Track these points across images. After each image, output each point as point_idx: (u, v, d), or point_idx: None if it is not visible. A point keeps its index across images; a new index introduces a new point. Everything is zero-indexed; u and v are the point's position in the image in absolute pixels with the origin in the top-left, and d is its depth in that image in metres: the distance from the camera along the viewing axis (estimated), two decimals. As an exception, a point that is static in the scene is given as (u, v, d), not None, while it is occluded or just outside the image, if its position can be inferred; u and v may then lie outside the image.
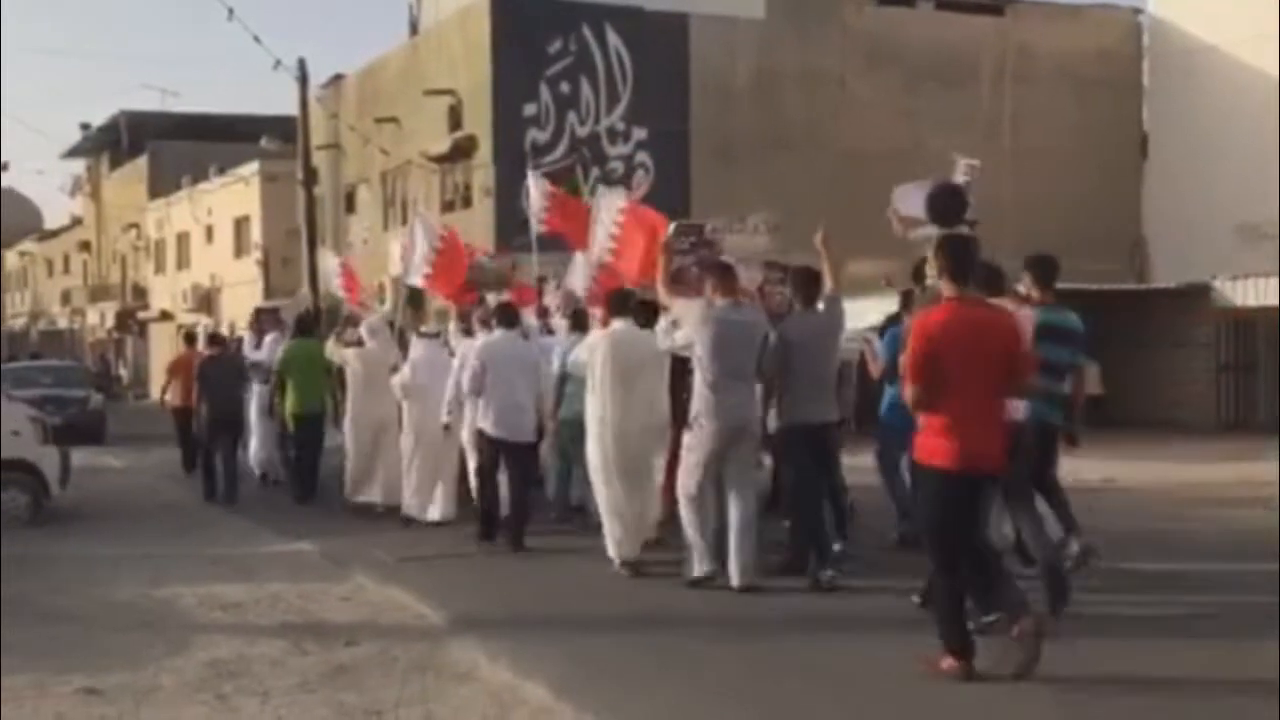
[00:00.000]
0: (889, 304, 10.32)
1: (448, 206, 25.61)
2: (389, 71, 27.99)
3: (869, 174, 22.76)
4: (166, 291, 42.44)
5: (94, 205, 51.48)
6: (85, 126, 48.92)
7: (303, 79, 26.45)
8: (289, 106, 29.16)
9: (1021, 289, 7.24)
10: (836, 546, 7.95)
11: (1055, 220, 25.26)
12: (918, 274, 7.18)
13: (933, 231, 6.97)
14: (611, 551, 8.34)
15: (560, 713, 5.40)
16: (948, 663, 5.60)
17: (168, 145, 43.14)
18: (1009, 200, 25.76)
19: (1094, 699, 5.33)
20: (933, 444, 5.58)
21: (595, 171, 23.32)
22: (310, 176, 27.58)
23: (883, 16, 25.02)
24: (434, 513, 10.68)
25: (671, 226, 9.55)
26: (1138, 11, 26.84)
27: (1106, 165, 25.94)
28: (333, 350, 12.39)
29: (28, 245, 59.69)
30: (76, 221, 55.85)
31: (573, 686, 5.70)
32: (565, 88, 23.18)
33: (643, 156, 23.57)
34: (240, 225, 37.92)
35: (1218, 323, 20.85)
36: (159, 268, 44.50)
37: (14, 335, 54.81)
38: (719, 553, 7.61)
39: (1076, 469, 9.04)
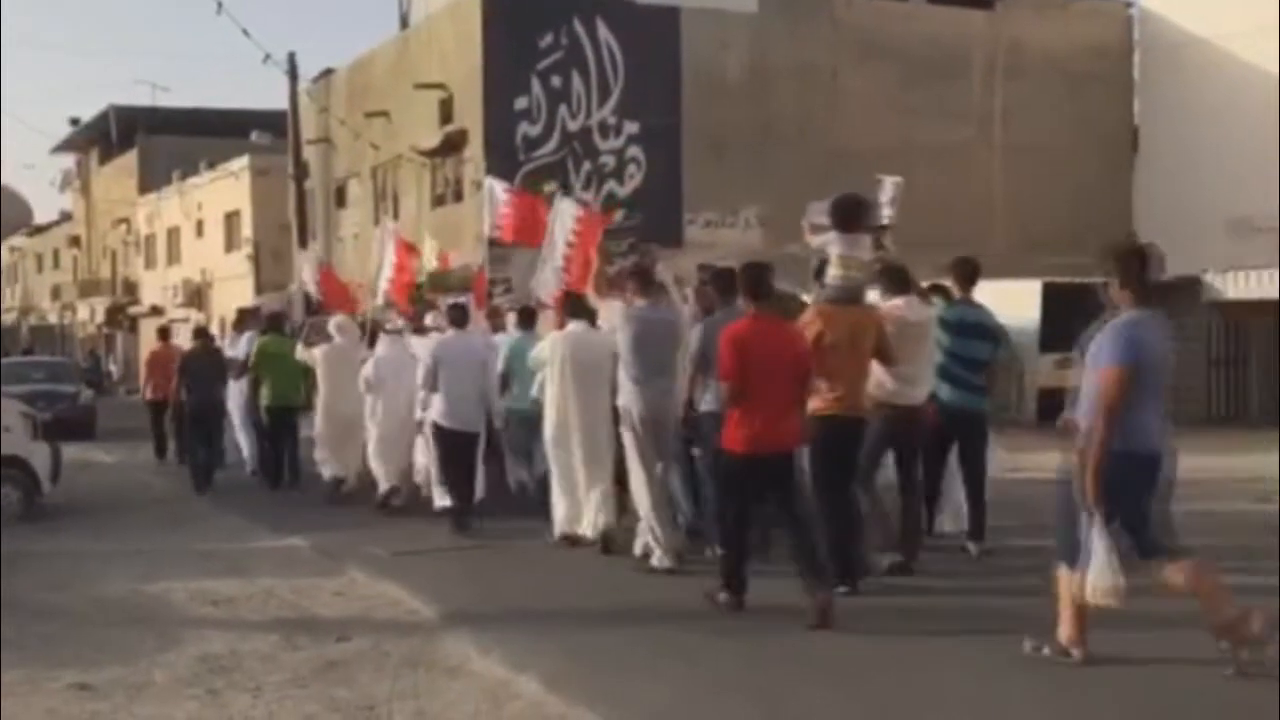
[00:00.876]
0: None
1: (439, 200, 25.58)
2: (379, 65, 27.93)
3: (860, 168, 22.78)
4: (157, 286, 42.33)
5: (84, 200, 51.31)
6: (75, 121, 48.73)
7: (293, 73, 26.45)
8: (279, 101, 29.17)
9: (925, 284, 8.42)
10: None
11: (1046, 214, 25.34)
12: (818, 274, 7.77)
13: (833, 237, 7.60)
14: (557, 523, 8.87)
15: (553, 706, 5.40)
16: (722, 595, 6.90)
17: (157, 140, 43.00)
18: (1000, 194, 25.85)
19: (1092, 691, 5.33)
20: (732, 433, 6.84)
21: (586, 165, 23.31)
22: (301, 171, 27.57)
23: (874, 11, 25.03)
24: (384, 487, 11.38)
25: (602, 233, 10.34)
26: (1128, 5, 26.91)
27: (1097, 159, 25.99)
28: (301, 352, 12.73)
29: (17, 240, 59.46)
30: (66, 216, 55.65)
31: (565, 680, 5.70)
32: (556, 81, 23.14)
33: (634, 150, 23.55)
34: (231, 220, 37.83)
35: (1209, 317, 20.89)
36: (149, 263, 44.38)
37: (4, 331, 54.67)
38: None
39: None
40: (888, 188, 9.38)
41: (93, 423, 21.25)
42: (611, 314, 8.62)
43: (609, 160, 23.45)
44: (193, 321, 27.80)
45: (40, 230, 58.05)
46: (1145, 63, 25.78)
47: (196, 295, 38.55)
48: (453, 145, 24.17)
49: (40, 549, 9.78)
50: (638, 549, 8.24)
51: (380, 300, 13.02)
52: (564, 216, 10.13)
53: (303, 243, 25.97)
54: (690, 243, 22.87)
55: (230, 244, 37.72)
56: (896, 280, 8.08)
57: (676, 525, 8.32)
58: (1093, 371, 5.52)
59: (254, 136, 32.01)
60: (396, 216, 27.24)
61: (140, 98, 45.39)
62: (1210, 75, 22.78)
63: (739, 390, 6.74)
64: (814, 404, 7.18)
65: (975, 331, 8.30)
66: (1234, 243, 21.41)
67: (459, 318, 10.20)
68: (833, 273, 7.50)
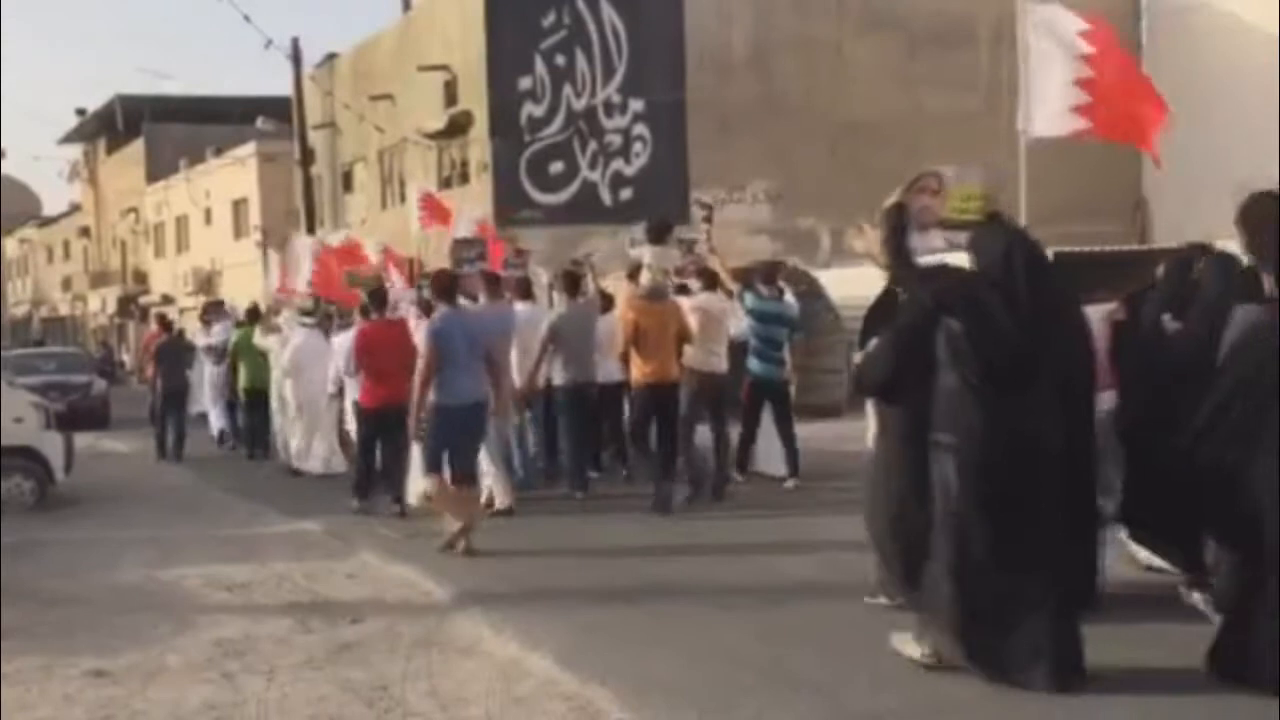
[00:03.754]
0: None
1: (445, 183, 25.54)
2: (383, 48, 27.87)
3: (868, 141, 22.77)
4: (167, 275, 42.43)
5: (92, 190, 51.41)
6: (81, 111, 48.83)
7: (296, 58, 26.37)
8: (284, 87, 29.09)
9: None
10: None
11: (1056, 182, 25.08)
12: (631, 276, 10.86)
13: (646, 249, 10.34)
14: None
15: (565, 683, 5.41)
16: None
17: (163, 128, 43.04)
18: (1008, 164, 25.71)
19: (1092, 689, 5.24)
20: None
21: (592, 145, 23.26)
22: (307, 156, 27.53)
23: (877, -19, 24.88)
24: (314, 465, 12.75)
25: (450, 243, 13.28)
26: (1134, -30, 26.65)
27: (1106, 126, 25.78)
28: (259, 339, 14.19)
29: (27, 232, 59.64)
30: (75, 207, 55.77)
31: (577, 657, 5.72)
32: (560, 60, 23.07)
33: (640, 129, 23.49)
34: (238, 207, 37.87)
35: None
36: (159, 252, 44.48)
37: (16, 323, 54.86)
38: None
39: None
40: (699, 212, 11.83)
41: (106, 412, 21.34)
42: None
43: (615, 139, 23.40)
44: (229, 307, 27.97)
45: (50, 222, 58.23)
46: (1152, 27, 25.56)
47: (207, 283, 38.62)
48: (458, 127, 24.14)
49: (54, 538, 9.83)
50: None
51: (301, 287, 15.19)
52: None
53: (310, 228, 25.93)
54: (698, 220, 22.83)
55: (239, 231, 37.76)
56: (706, 280, 10.51)
57: (512, 473, 10.23)
58: None
59: (260, 123, 31.96)
60: (403, 200, 27.24)
61: (145, 86, 45.28)
62: (1218, 40, 22.60)
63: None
64: (634, 375, 9.82)
65: (774, 319, 10.53)
66: (1244, 207, 21.27)
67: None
68: (644, 276, 10.11)
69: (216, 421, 16.78)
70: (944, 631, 5.16)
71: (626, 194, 23.31)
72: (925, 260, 5.69)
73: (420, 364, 8.50)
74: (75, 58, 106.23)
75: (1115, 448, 6.12)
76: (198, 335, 17.92)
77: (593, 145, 23.26)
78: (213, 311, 17.90)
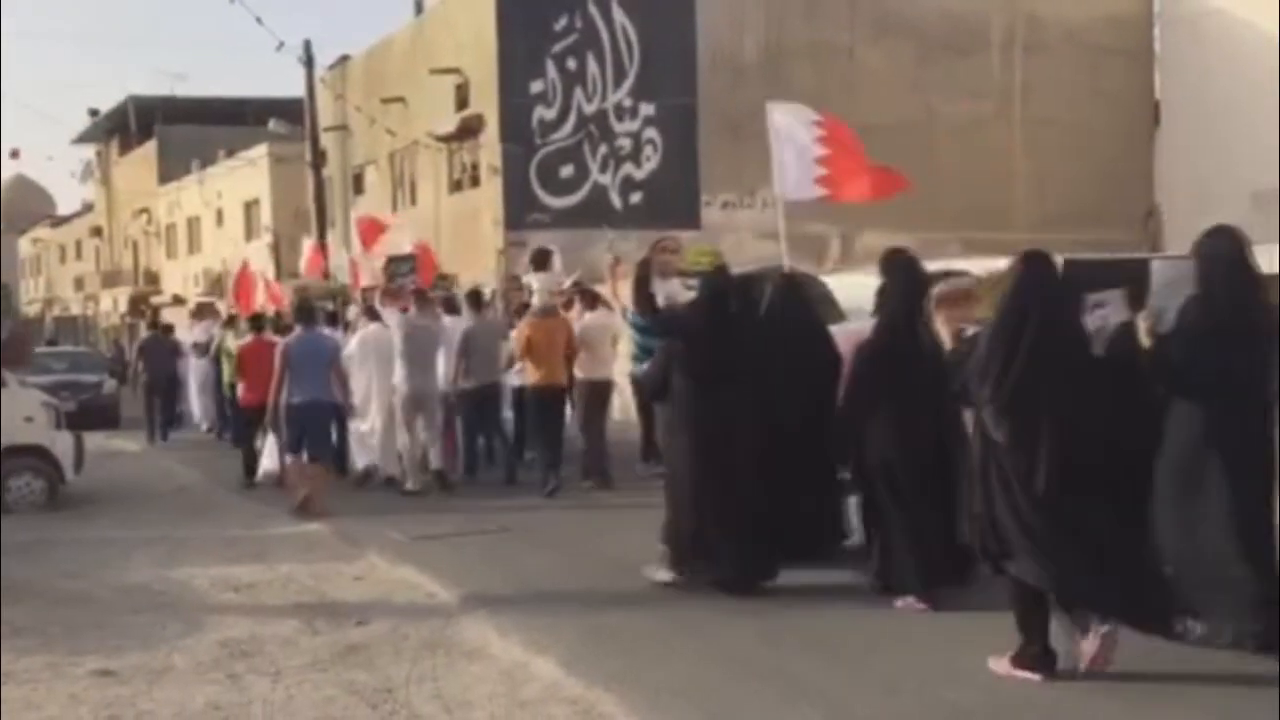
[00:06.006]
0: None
1: (455, 186, 25.58)
2: (395, 51, 27.91)
3: (880, 146, 22.60)
4: (179, 275, 42.51)
5: (105, 191, 51.55)
6: (94, 112, 48.94)
7: (308, 61, 26.42)
8: (296, 89, 29.15)
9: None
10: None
11: (1068, 189, 25.13)
12: (527, 302, 12.79)
13: (534, 275, 12.50)
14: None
15: (570, 687, 5.41)
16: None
17: (176, 129, 43.11)
18: (1021, 170, 25.65)
19: (1093, 689, 5.24)
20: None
21: (603, 148, 23.25)
22: (318, 158, 27.58)
23: (890, -14, 24.84)
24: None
25: (383, 259, 16.18)
26: (1148, -24, 26.61)
27: (1119, 133, 25.74)
28: (229, 343, 15.15)
29: (40, 232, 59.82)
30: (88, 207, 55.92)
31: (583, 661, 5.72)
32: (572, 64, 23.06)
33: (650, 133, 23.46)
34: (250, 208, 37.93)
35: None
36: (170, 252, 44.56)
37: (29, 321, 55.01)
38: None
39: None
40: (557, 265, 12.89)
41: (116, 412, 21.36)
42: (393, 321, 12.15)
43: (625, 143, 23.38)
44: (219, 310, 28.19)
45: (62, 221, 58.40)
46: (1166, 35, 25.50)
47: (218, 284, 38.68)
48: (469, 130, 24.13)
49: (63, 537, 9.85)
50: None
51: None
52: None
53: (320, 230, 25.99)
54: (708, 225, 22.81)
55: (250, 232, 37.83)
56: (588, 301, 12.01)
57: (427, 467, 11.71)
58: None
59: (272, 125, 32.03)
60: (414, 202, 27.28)
61: (158, 87, 45.37)
62: (1232, 47, 22.52)
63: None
64: (528, 379, 11.48)
65: (646, 329, 10.94)
66: (1258, 216, 21.19)
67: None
68: (535, 299, 12.06)
69: (202, 415, 18.87)
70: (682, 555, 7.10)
71: (637, 198, 23.30)
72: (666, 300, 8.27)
73: (275, 372, 10.63)
74: (88, 59, 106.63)
75: None
76: (184, 333, 20.02)
77: (603, 149, 23.24)
78: (202, 312, 19.87)
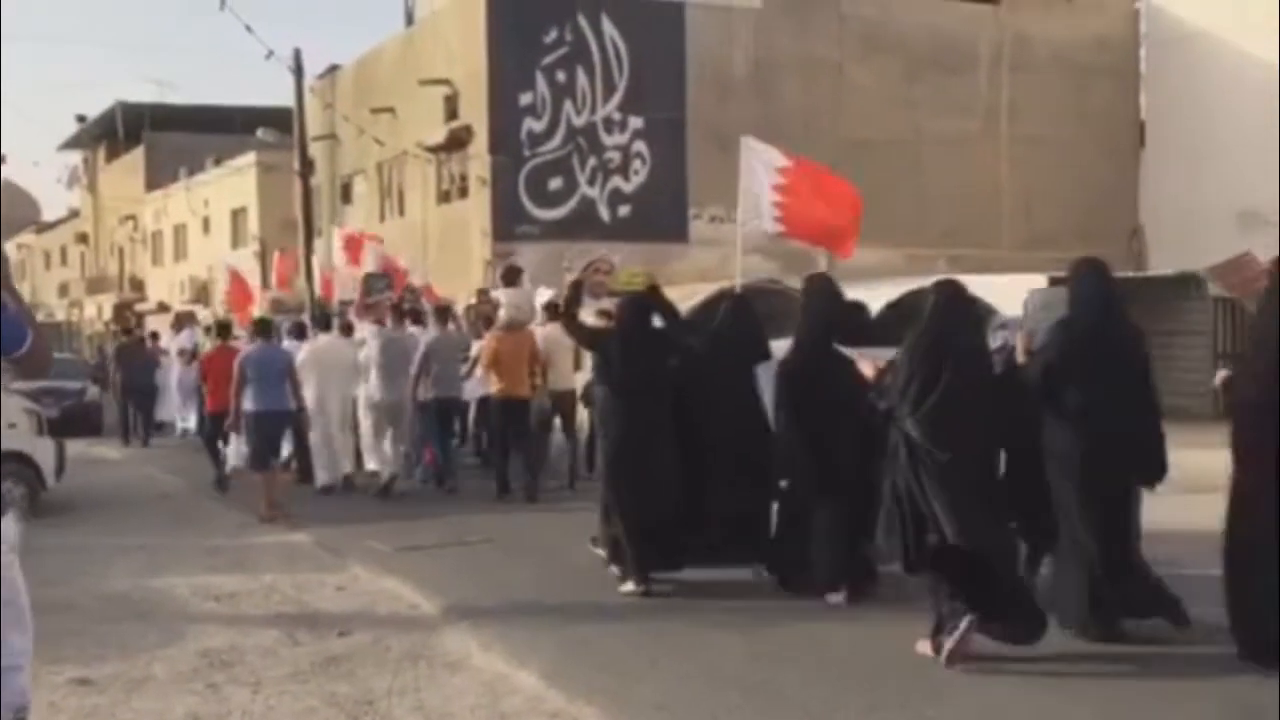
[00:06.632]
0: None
1: (444, 197, 25.56)
2: (385, 61, 27.90)
3: (868, 162, 22.77)
4: (164, 283, 42.37)
5: (91, 197, 51.38)
6: (81, 118, 48.79)
7: (298, 70, 26.36)
8: (285, 97, 29.07)
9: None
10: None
11: (1053, 208, 25.26)
12: (492, 316, 12.95)
13: (503, 290, 13.13)
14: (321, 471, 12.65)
15: (552, 700, 5.39)
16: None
17: (164, 137, 43.02)
18: (1007, 188, 25.78)
19: (1094, 687, 5.30)
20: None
21: (591, 161, 23.27)
22: (307, 167, 27.48)
23: (879, 3, 24.95)
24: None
25: (361, 274, 16.83)
26: (1135, -2, 26.82)
27: (1104, 153, 25.91)
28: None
29: (25, 237, 59.59)
30: (74, 213, 55.74)
31: (564, 674, 5.70)
32: (561, 77, 23.09)
33: (639, 146, 23.50)
34: (237, 216, 37.83)
35: (1216, 311, 20.79)
36: (156, 259, 44.42)
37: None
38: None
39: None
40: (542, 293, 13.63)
41: (99, 419, 21.25)
42: (367, 333, 13.05)
43: (614, 156, 23.41)
44: (202, 318, 28.12)
45: (48, 227, 58.21)
46: (1152, 56, 25.69)
47: (203, 292, 38.57)
48: (458, 141, 24.12)
49: (43, 544, 9.73)
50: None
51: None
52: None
53: (307, 240, 25.92)
54: (696, 238, 22.84)
55: (237, 240, 37.73)
56: (550, 313, 12.20)
57: (411, 474, 12.67)
58: None
59: (260, 133, 31.90)
60: (402, 213, 27.24)
61: (146, 94, 45.33)
62: (1218, 68, 22.70)
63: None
64: (493, 389, 11.87)
65: None
66: (1243, 236, 21.31)
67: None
68: (503, 313, 12.42)
69: (179, 420, 19.27)
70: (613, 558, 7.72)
71: (625, 211, 23.32)
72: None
73: (234, 380, 11.39)
74: (77, 64, 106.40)
75: None
76: (165, 340, 20.83)
77: (592, 162, 23.27)
78: (182, 320, 20.82)
